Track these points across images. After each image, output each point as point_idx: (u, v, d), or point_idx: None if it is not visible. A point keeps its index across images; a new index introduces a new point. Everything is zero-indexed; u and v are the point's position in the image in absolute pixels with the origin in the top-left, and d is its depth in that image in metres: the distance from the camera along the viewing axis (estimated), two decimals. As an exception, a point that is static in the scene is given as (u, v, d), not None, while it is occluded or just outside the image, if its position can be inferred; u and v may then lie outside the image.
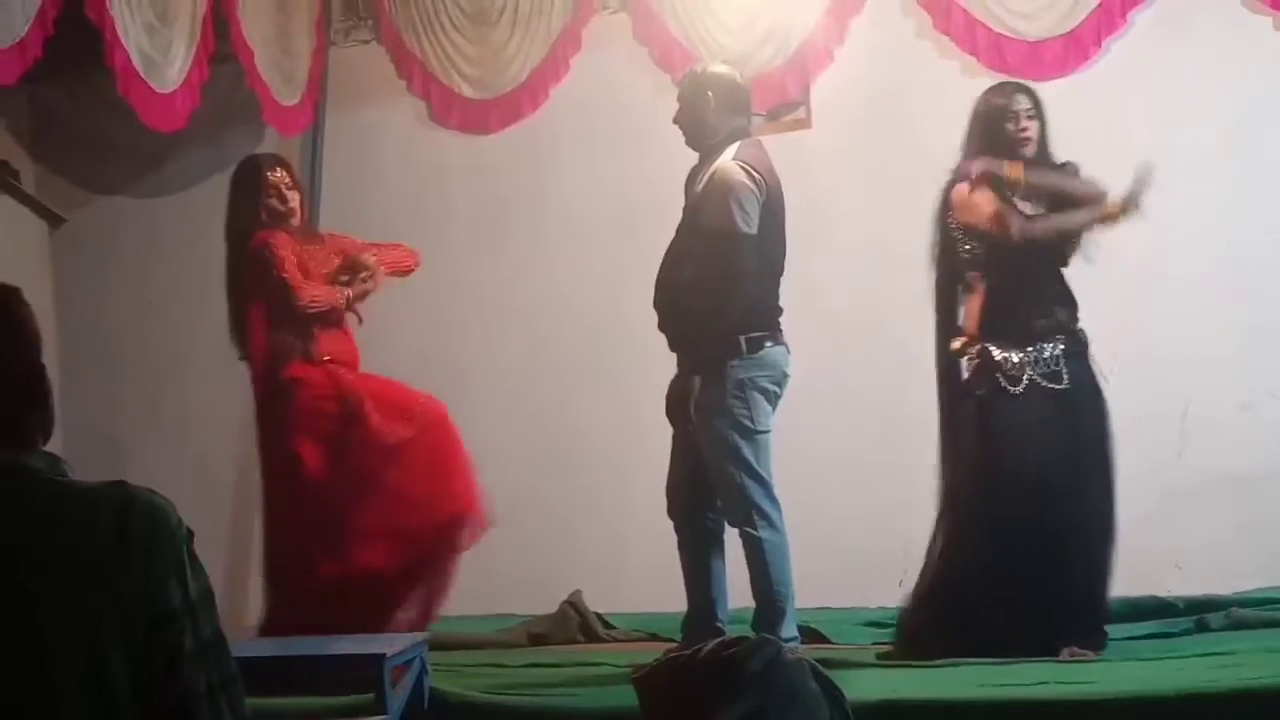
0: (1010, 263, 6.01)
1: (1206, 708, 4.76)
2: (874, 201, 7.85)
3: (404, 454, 6.55)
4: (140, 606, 2.41)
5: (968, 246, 6.05)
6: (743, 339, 5.97)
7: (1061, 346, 6.03)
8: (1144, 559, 7.35)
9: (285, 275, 6.54)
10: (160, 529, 2.45)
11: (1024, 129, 6.06)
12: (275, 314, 6.63)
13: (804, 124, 8.36)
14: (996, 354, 5.99)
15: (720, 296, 5.93)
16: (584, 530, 8.22)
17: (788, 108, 8.40)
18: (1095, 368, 6.14)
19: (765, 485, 6.04)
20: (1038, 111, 6.13)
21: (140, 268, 9.05)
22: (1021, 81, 6.25)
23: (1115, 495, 6.11)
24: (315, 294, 6.62)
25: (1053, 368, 5.99)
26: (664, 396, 6.19)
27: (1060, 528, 5.88)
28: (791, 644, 5.53)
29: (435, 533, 6.54)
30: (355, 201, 7.36)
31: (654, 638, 6.99)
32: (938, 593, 6.04)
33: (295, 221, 6.72)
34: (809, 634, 6.65)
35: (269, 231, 6.64)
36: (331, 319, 6.68)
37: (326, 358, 6.62)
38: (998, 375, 5.97)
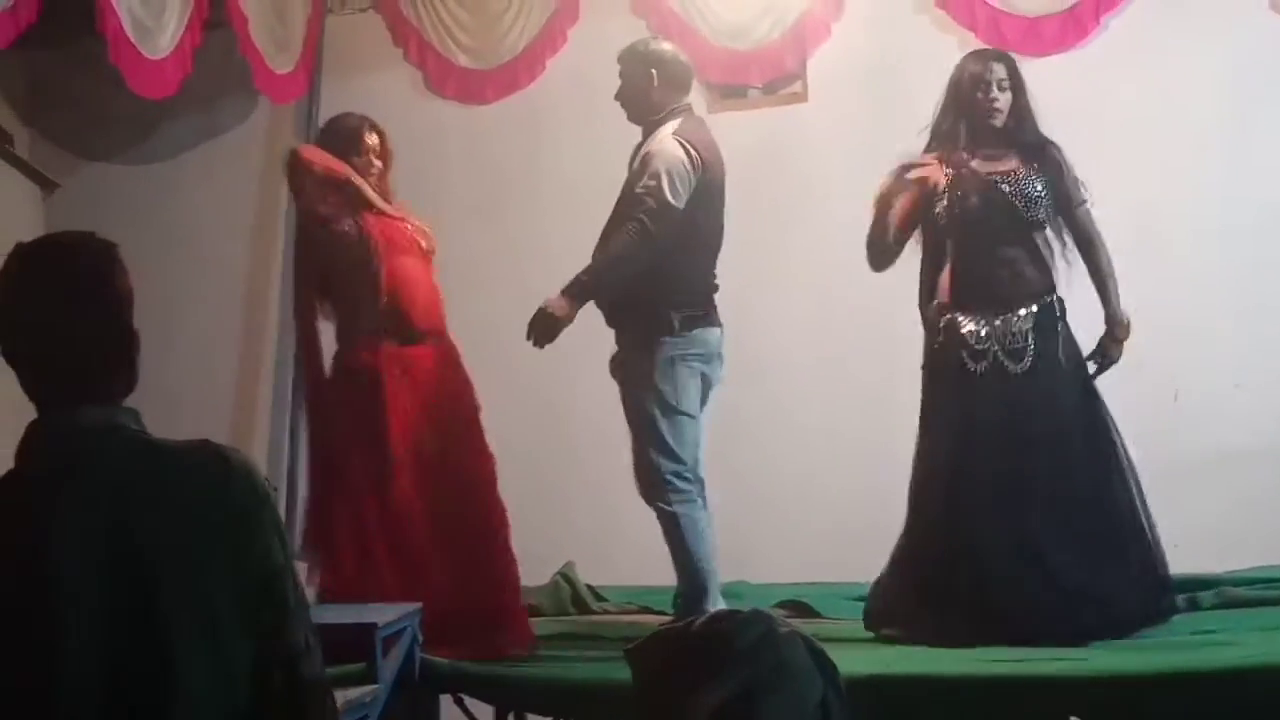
0: (972, 224, 5.92)
1: (1198, 685, 4.77)
2: (870, 176, 7.81)
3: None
4: (249, 566, 2.48)
5: (937, 210, 5.98)
6: (675, 317, 5.93)
7: (1032, 319, 5.92)
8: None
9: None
10: (258, 489, 2.53)
11: (994, 98, 6.00)
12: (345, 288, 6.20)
13: (800, 98, 8.36)
14: (963, 326, 5.91)
15: (629, 247, 5.89)
16: (577, 502, 8.23)
17: (784, 81, 8.39)
18: (1073, 339, 6.03)
19: (679, 461, 5.96)
20: (1014, 83, 6.03)
21: (133, 234, 8.82)
22: (1003, 51, 6.18)
23: (1120, 470, 5.98)
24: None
25: (1020, 343, 5.88)
26: None
27: (1017, 522, 5.77)
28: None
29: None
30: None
31: (646, 610, 6.99)
32: (896, 582, 6.03)
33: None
34: (799, 608, 6.65)
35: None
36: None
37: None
38: (963, 351, 5.89)
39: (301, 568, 6.31)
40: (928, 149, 6.07)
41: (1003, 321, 5.90)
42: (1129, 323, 6.08)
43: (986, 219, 5.92)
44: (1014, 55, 6.26)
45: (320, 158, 6.18)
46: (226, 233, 8.99)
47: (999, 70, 6.03)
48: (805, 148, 7.52)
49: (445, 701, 6.03)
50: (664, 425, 5.95)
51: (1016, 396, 5.88)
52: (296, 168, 6.19)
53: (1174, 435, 7.67)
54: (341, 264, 6.13)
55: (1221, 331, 7.67)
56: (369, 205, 6.16)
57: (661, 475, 5.97)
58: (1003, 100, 6.01)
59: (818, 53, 8.27)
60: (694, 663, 3.00)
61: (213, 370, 8.82)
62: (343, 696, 4.97)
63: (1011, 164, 6.00)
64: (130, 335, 2.60)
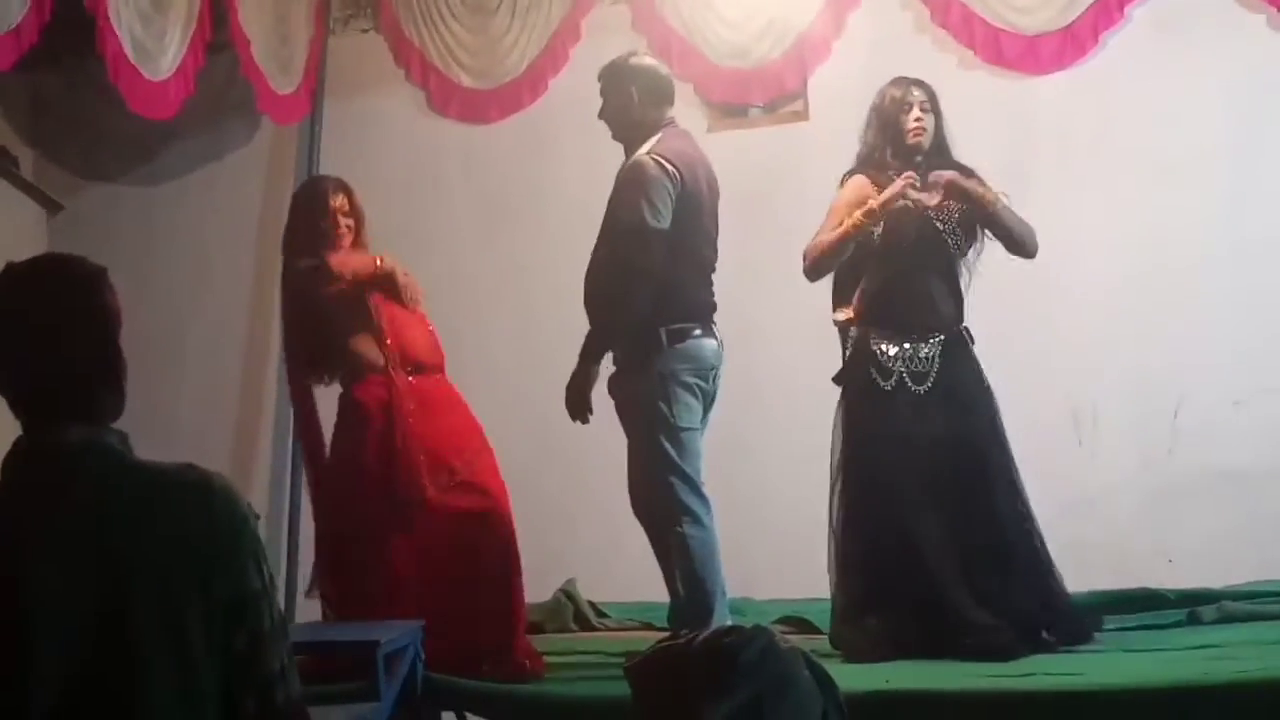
0: (902, 253, 6.01)
1: (1198, 700, 4.77)
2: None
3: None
4: (225, 590, 2.48)
5: (871, 233, 6.04)
6: (663, 331, 5.85)
7: (940, 347, 6.02)
8: (1136, 553, 7.41)
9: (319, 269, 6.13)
10: (238, 513, 2.54)
11: (917, 118, 6.08)
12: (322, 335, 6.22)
13: (801, 116, 8.39)
14: (873, 344, 5.99)
15: (630, 290, 5.82)
16: (579, 519, 8.24)
17: (785, 100, 8.42)
18: (979, 369, 6.12)
19: (690, 482, 5.91)
20: (933, 106, 6.14)
21: (136, 255, 9.04)
22: (919, 79, 6.24)
23: (1016, 499, 6.06)
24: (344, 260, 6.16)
25: (923, 368, 5.97)
26: None
27: (918, 535, 5.85)
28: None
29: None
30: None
31: (648, 627, 7.00)
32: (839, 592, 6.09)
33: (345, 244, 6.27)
34: (799, 624, 6.67)
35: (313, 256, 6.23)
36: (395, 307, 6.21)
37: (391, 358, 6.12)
38: (871, 368, 5.98)
39: (313, 603, 6.33)
40: (852, 173, 6.13)
41: (911, 346, 6.00)
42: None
43: (916, 250, 6.03)
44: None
45: (346, 267, 6.18)
46: (229, 253, 9.02)
47: (919, 94, 6.13)
48: (806, 166, 7.53)
49: (448, 718, 6.04)
50: (669, 446, 5.88)
51: (924, 414, 5.97)
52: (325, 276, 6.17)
53: (1174, 451, 7.69)
54: (341, 317, 6.15)
55: (1222, 349, 7.68)
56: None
57: (676, 497, 5.88)
58: (926, 122, 6.10)
59: (818, 72, 8.30)
60: (696, 678, 3.01)
61: (216, 390, 8.84)
62: (345, 713, 5.00)
63: (938, 198, 6.09)
64: (117, 358, 2.62)
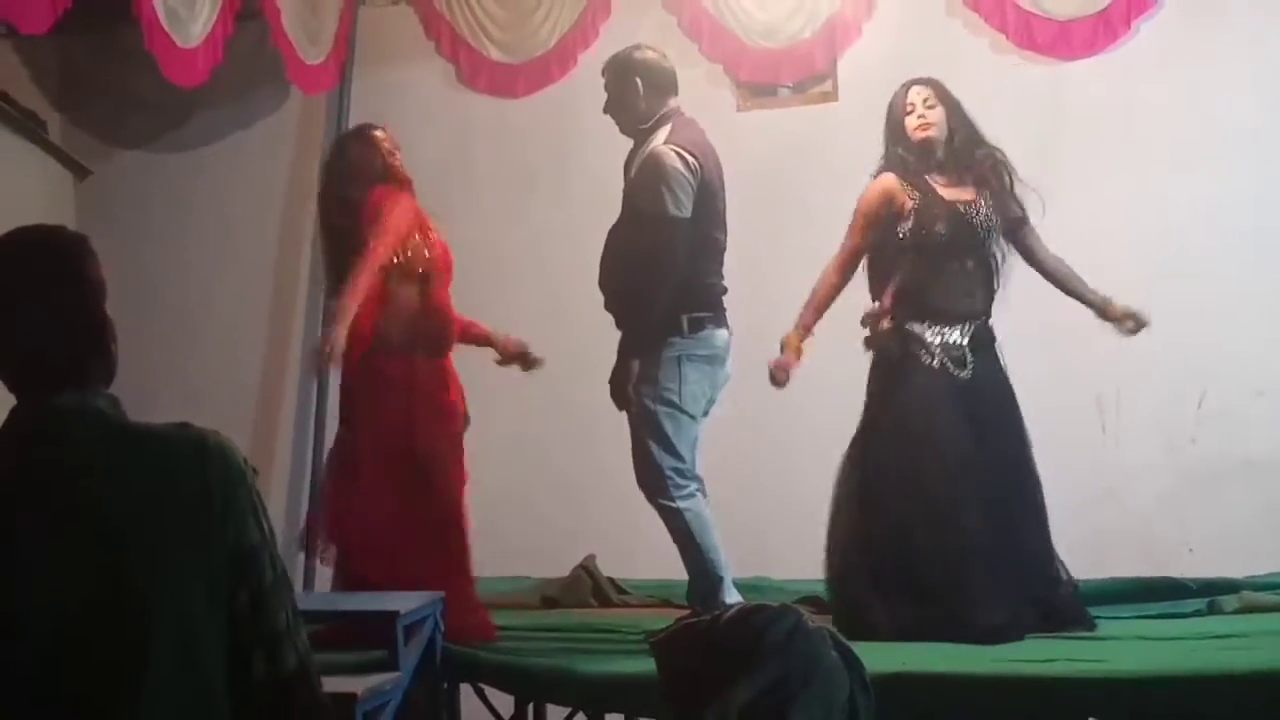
0: (935, 249, 6.04)
1: (1217, 688, 4.76)
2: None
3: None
4: (223, 546, 2.48)
5: (900, 232, 6.07)
6: (685, 318, 5.92)
7: (970, 335, 6.08)
8: (1158, 541, 7.40)
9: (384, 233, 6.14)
10: (234, 468, 2.53)
11: (923, 117, 6.10)
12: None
13: (830, 97, 8.38)
14: (913, 329, 6.03)
15: (653, 279, 5.86)
16: (599, 495, 8.23)
17: (815, 80, 8.41)
18: (1002, 362, 6.16)
19: (680, 459, 5.97)
20: (942, 99, 6.16)
21: (162, 221, 9.07)
22: (922, 78, 6.25)
23: (1037, 490, 6.10)
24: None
25: (957, 354, 6.04)
26: None
27: (968, 505, 5.89)
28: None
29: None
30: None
31: (667, 603, 7.01)
32: (850, 560, 6.10)
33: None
34: (817, 605, 6.67)
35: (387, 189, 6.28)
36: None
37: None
38: (919, 349, 6.02)
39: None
40: (880, 172, 6.16)
41: (945, 332, 6.04)
42: (1113, 300, 6.28)
43: (949, 245, 6.06)
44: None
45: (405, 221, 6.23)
46: (256, 222, 9.03)
47: (919, 92, 6.16)
48: (834, 147, 7.52)
49: (466, 690, 6.06)
50: (667, 423, 5.94)
51: (964, 397, 6.01)
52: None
53: (1197, 441, 7.68)
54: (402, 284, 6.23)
55: (1246, 338, 7.67)
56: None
57: (662, 471, 5.95)
58: (932, 115, 6.12)
59: (848, 53, 8.28)
60: (723, 656, 3.01)
61: (240, 356, 8.86)
62: (363, 684, 5.01)
63: (969, 192, 6.13)
64: (104, 323, 2.62)
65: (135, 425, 2.57)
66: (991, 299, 6.17)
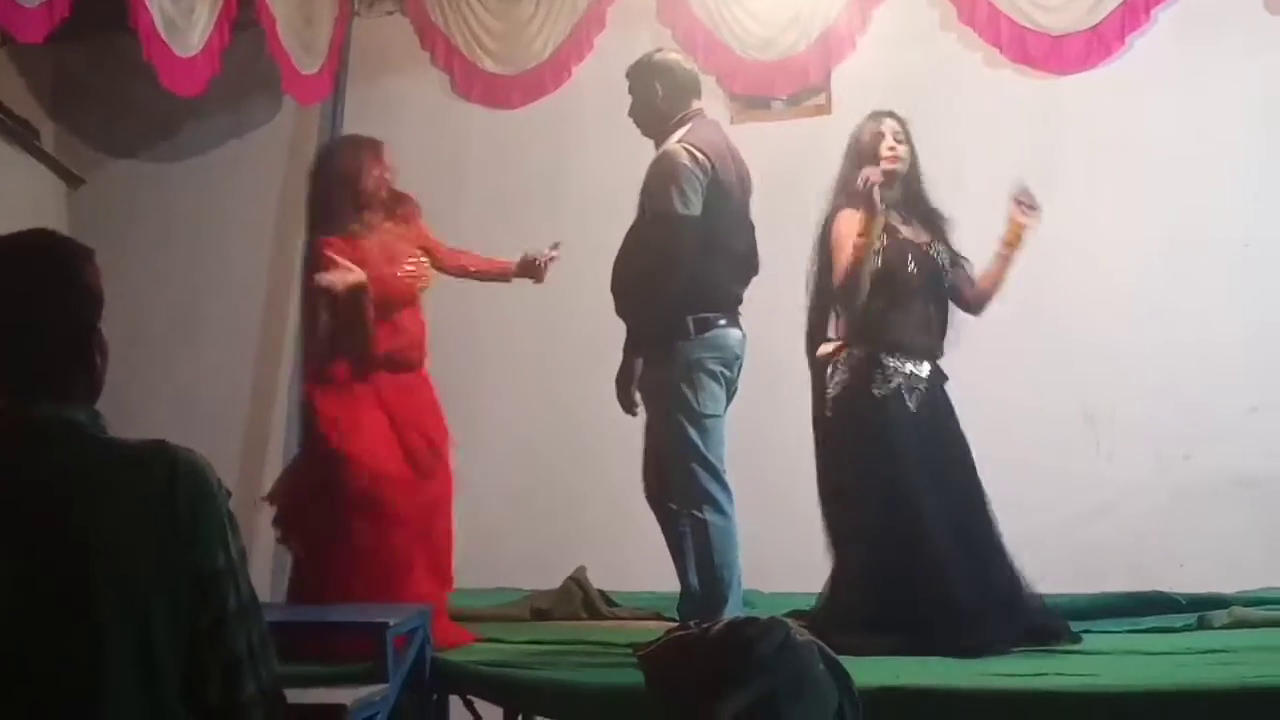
0: (901, 287, 6.05)
1: (1207, 704, 4.77)
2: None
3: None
4: (187, 568, 2.45)
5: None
6: (690, 319, 5.89)
7: (926, 372, 6.08)
8: (1149, 556, 7.40)
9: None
10: (205, 490, 2.49)
11: (893, 149, 6.12)
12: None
13: (824, 110, 8.38)
14: (881, 359, 6.02)
15: (659, 277, 5.86)
16: (590, 507, 8.24)
17: (808, 93, 8.42)
18: (950, 404, 6.16)
19: (712, 469, 5.95)
20: (906, 137, 6.18)
21: (155, 230, 9.07)
22: (892, 110, 6.27)
23: (993, 528, 6.08)
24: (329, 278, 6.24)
25: (912, 382, 6.03)
26: None
27: (935, 525, 5.91)
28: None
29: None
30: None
31: (657, 616, 7.00)
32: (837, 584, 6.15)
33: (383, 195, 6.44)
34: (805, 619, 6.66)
35: (328, 238, 6.30)
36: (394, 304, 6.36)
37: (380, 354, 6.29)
38: (874, 376, 6.00)
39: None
40: (837, 205, 6.15)
41: (912, 366, 6.05)
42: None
43: (915, 284, 6.08)
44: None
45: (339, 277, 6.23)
46: (249, 231, 9.03)
47: (893, 124, 6.17)
48: (827, 160, 7.49)
49: (454, 702, 6.05)
50: (693, 433, 5.91)
51: (918, 429, 6.02)
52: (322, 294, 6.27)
53: (1189, 456, 7.68)
54: (343, 319, 6.26)
55: (1239, 354, 7.67)
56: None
57: (698, 484, 5.92)
58: (901, 150, 6.14)
59: (842, 66, 8.29)
60: (712, 668, 3.00)
61: (233, 365, 8.85)
62: (352, 695, 5.00)
63: (925, 235, 6.17)
64: (95, 339, 2.59)
65: (111, 441, 2.54)
66: (943, 338, 6.19)
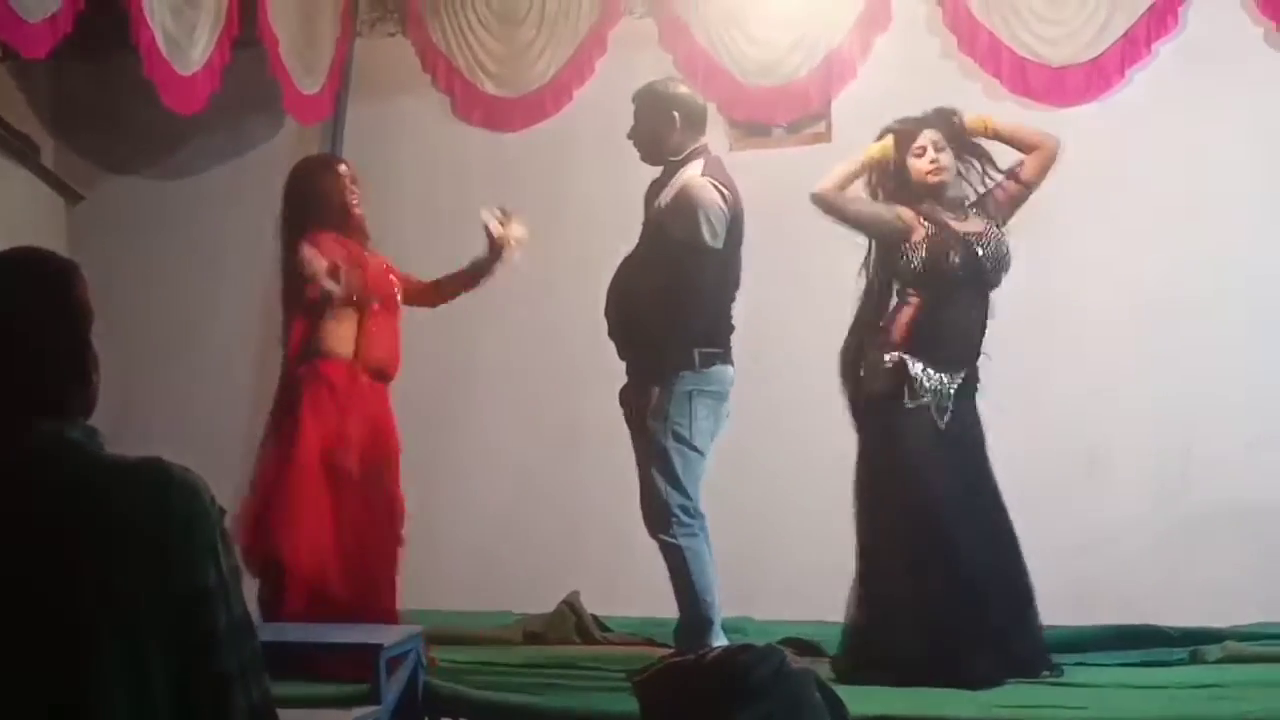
0: (947, 281, 6.04)
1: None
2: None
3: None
4: (176, 585, 2.42)
5: (906, 259, 6.07)
6: (697, 353, 5.97)
7: (959, 382, 6.08)
8: (1142, 590, 7.39)
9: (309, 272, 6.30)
10: (197, 507, 2.47)
11: (935, 161, 6.15)
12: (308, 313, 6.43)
13: (824, 138, 8.38)
14: (911, 368, 6.00)
15: (679, 308, 5.92)
16: (585, 531, 8.24)
17: (809, 121, 8.42)
18: (980, 412, 6.17)
19: (686, 495, 6.00)
20: (949, 139, 6.21)
21: (155, 248, 9.06)
22: (933, 116, 6.27)
23: (1013, 542, 6.11)
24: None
25: (944, 403, 6.02)
26: None
27: (958, 550, 5.92)
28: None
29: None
30: (373, 193, 7.40)
31: (650, 642, 7.00)
32: (863, 607, 6.11)
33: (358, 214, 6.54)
34: (804, 647, 6.65)
35: (317, 234, 6.41)
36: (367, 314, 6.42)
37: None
38: (905, 389, 5.99)
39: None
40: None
41: (940, 377, 6.02)
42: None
43: (960, 278, 6.05)
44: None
45: (321, 255, 6.32)
46: (248, 250, 9.01)
47: (932, 135, 6.18)
48: (827, 188, 7.52)
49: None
50: (675, 459, 5.98)
51: (944, 445, 6.03)
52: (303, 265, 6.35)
53: (1185, 490, 7.68)
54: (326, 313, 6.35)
55: (1236, 388, 7.67)
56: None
57: (668, 507, 5.99)
58: (944, 159, 6.17)
59: (843, 93, 8.29)
60: (706, 696, 3.00)
61: (231, 383, 8.84)
62: (346, 717, 4.99)
63: (978, 225, 6.16)
64: (87, 354, 2.57)
65: (105, 458, 2.51)
66: (983, 339, 6.17)
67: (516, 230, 6.59)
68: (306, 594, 5.99)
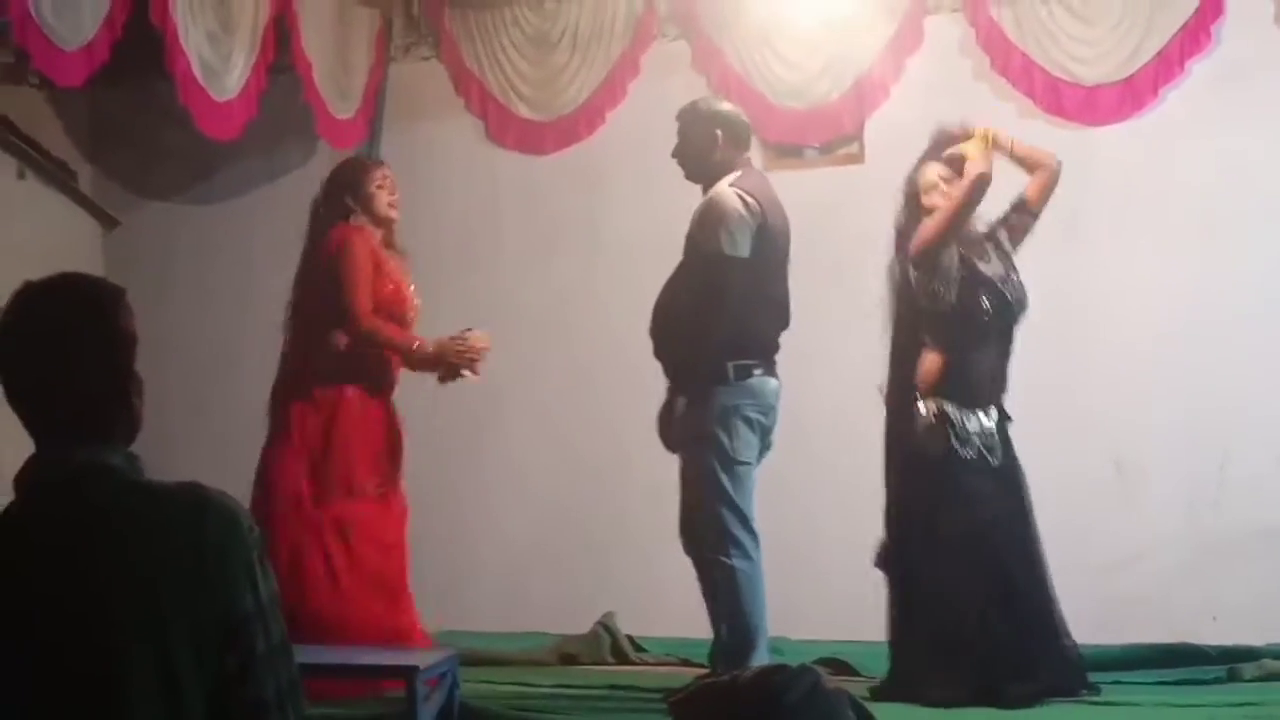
0: (977, 321, 6.08)
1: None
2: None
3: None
4: (213, 610, 2.43)
5: (927, 296, 6.08)
6: (730, 365, 5.91)
7: (995, 418, 6.13)
8: (1179, 608, 7.36)
9: (352, 292, 6.32)
10: (234, 533, 2.48)
11: (947, 195, 6.17)
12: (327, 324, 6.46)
13: (857, 159, 8.39)
14: (951, 414, 6.04)
15: (704, 318, 5.89)
16: (618, 552, 8.24)
17: (841, 142, 8.43)
18: (1014, 450, 6.20)
19: (740, 515, 5.96)
20: (958, 172, 6.21)
21: (190, 272, 9.12)
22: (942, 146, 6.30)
23: (1045, 569, 6.15)
24: (377, 327, 6.32)
25: (989, 441, 6.08)
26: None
27: (999, 575, 5.98)
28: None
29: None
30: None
31: (685, 662, 7.01)
32: (905, 638, 6.12)
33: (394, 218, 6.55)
34: (838, 666, 6.65)
35: (356, 228, 6.45)
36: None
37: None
38: (951, 435, 6.03)
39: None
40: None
41: (978, 417, 6.07)
42: None
43: (989, 319, 6.07)
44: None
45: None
46: (281, 274, 9.04)
47: (939, 169, 6.25)
48: (861, 209, 7.52)
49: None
50: (725, 478, 5.93)
51: (997, 477, 6.09)
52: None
53: (1218, 508, 7.65)
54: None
55: (1269, 404, 7.63)
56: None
57: (725, 529, 5.92)
58: (955, 192, 6.18)
59: (875, 115, 8.29)
60: (742, 716, 3.01)
61: (265, 409, 8.88)
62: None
63: (1000, 268, 6.21)
64: (130, 379, 2.59)
65: (144, 484, 2.53)
66: (1006, 378, 6.20)
67: (480, 342, 6.46)
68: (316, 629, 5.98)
